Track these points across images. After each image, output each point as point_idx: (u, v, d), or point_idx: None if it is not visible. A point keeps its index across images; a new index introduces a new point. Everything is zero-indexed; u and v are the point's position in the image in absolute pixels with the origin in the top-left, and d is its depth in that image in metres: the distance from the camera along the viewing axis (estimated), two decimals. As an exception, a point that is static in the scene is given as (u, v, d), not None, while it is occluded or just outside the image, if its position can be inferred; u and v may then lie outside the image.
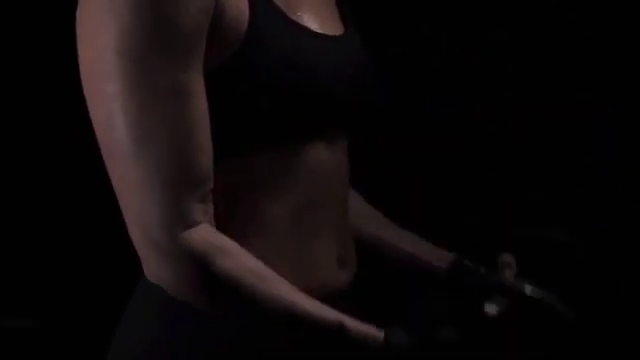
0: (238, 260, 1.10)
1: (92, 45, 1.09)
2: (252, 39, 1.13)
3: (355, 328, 1.14)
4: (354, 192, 1.46)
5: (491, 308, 1.21)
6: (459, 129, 2.26)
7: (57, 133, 2.36)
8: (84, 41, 1.12)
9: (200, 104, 1.09)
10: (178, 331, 1.19)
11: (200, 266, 1.08)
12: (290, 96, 1.15)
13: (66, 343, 2.39)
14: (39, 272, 2.39)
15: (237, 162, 1.16)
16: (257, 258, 1.12)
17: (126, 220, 1.11)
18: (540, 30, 2.20)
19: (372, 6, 2.16)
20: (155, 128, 1.07)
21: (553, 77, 2.21)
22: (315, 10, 1.25)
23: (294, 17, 1.20)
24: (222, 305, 1.12)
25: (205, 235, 1.09)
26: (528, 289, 1.26)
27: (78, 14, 1.13)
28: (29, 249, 2.38)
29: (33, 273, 2.39)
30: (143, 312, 1.23)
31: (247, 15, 1.13)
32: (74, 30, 1.14)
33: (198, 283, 1.09)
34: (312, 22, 1.22)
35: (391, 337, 1.15)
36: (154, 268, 1.10)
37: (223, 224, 1.14)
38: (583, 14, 2.17)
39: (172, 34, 1.07)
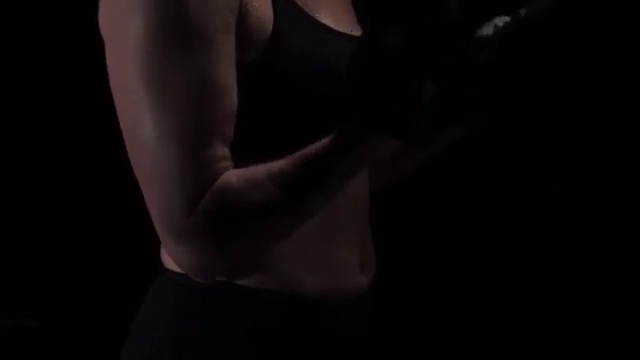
0: (239, 193, 1.08)
1: (116, 42, 1.10)
2: (277, 39, 1.13)
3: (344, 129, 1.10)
4: None
5: (487, 29, 1.05)
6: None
7: (58, 134, 2.36)
8: (109, 38, 1.12)
9: (227, 98, 1.09)
10: (191, 330, 1.18)
11: (211, 224, 1.07)
12: (314, 96, 1.15)
13: (66, 343, 2.39)
14: (39, 272, 2.39)
15: (259, 161, 1.16)
16: (278, 259, 1.13)
17: (150, 213, 1.11)
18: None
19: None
20: (180, 123, 1.07)
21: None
22: (334, 10, 1.25)
23: (315, 16, 1.20)
24: (253, 236, 1.09)
25: (209, 195, 1.08)
26: (522, 12, 1.07)
27: (101, 13, 1.13)
28: (30, 249, 2.38)
29: (33, 273, 2.38)
30: (159, 310, 1.22)
31: (272, 16, 1.13)
32: (93, 30, 1.14)
33: (221, 236, 1.08)
34: (332, 22, 1.22)
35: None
36: (186, 259, 1.10)
37: None
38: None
39: (197, 27, 1.07)
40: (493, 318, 2.32)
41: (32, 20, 2.33)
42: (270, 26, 1.13)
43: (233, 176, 1.09)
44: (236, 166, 1.11)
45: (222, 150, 1.10)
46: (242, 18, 1.11)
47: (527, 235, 2.31)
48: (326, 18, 1.21)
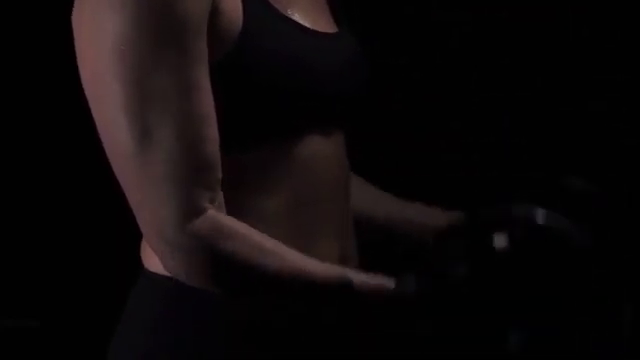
0: (242, 239, 1.11)
1: (92, 44, 1.09)
2: (247, 36, 1.13)
3: (362, 281, 1.14)
4: (354, 176, 1.43)
5: (500, 241, 1.11)
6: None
7: (57, 134, 2.36)
8: (83, 41, 1.11)
9: (204, 99, 1.10)
10: (180, 326, 1.19)
11: (206, 252, 1.10)
12: (285, 93, 1.15)
13: (66, 343, 2.39)
14: (39, 272, 2.39)
15: (232, 159, 1.16)
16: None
17: (137, 218, 1.12)
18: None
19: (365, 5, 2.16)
20: (158, 126, 1.07)
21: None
22: (307, 8, 1.25)
23: (286, 14, 1.20)
24: (235, 286, 1.14)
25: (210, 221, 1.10)
26: (540, 216, 1.12)
27: (75, 14, 1.13)
28: (30, 249, 2.38)
29: (33, 273, 2.39)
30: (145, 307, 1.23)
31: (241, 13, 1.13)
32: (70, 30, 1.14)
33: (207, 269, 1.11)
34: (304, 20, 1.22)
35: (401, 285, 1.13)
36: (168, 262, 1.12)
37: None
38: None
39: (172, 30, 1.07)
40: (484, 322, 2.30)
41: (32, 20, 2.33)
42: (240, 24, 1.13)
43: (240, 224, 1.12)
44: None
45: (210, 149, 1.10)
46: (212, 17, 1.11)
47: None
48: (298, 15, 1.21)
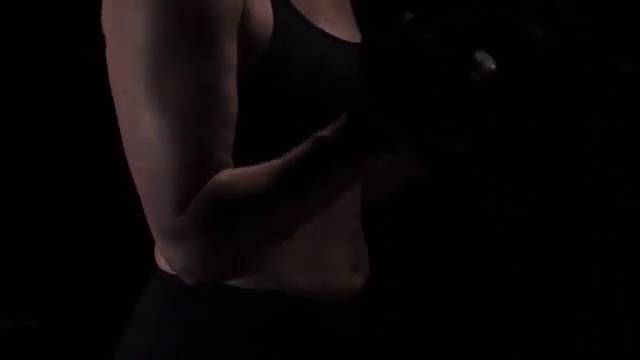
0: (226, 185, 1.08)
1: (118, 44, 1.10)
2: (277, 41, 1.13)
3: (330, 127, 1.08)
4: None
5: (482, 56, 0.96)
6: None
7: (58, 134, 2.36)
8: (111, 40, 1.12)
9: (228, 104, 1.10)
10: (185, 326, 1.19)
11: (202, 217, 1.07)
12: (308, 100, 1.15)
13: (66, 343, 2.39)
14: (39, 272, 2.39)
15: (250, 164, 1.16)
16: (272, 259, 1.13)
17: (147, 215, 1.11)
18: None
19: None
20: (179, 128, 1.07)
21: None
22: (334, 16, 1.25)
23: (314, 22, 1.20)
24: (246, 226, 1.08)
25: (199, 194, 1.08)
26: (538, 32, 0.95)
27: (104, 14, 1.14)
28: (29, 249, 2.38)
29: (33, 273, 2.38)
30: (152, 305, 1.23)
31: (272, 20, 1.13)
32: (95, 30, 1.14)
33: (213, 234, 1.07)
34: (331, 28, 1.22)
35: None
36: (178, 260, 1.10)
37: None
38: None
39: (200, 34, 1.07)
40: (488, 323, 2.32)
41: (32, 20, 2.33)
42: (270, 31, 1.13)
43: (225, 174, 1.08)
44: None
45: (221, 155, 1.10)
46: (244, 22, 1.11)
47: (523, 236, 2.31)
48: (324, 24, 1.21)
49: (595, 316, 2.28)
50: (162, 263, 1.21)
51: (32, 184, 2.38)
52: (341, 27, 1.26)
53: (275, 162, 1.08)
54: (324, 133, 1.06)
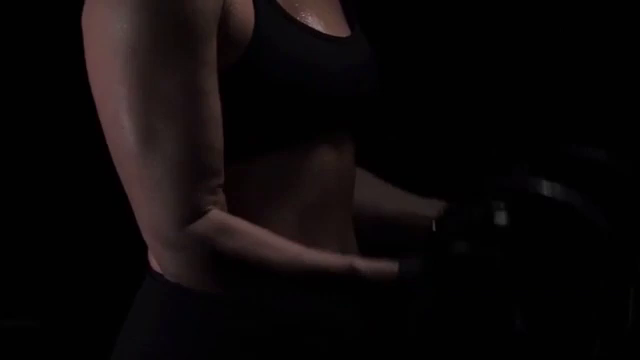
0: (242, 236, 1.11)
1: (99, 45, 1.09)
2: (258, 41, 1.13)
3: (367, 266, 1.13)
4: (359, 169, 1.39)
5: (501, 218, 1.01)
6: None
7: (58, 134, 2.36)
8: (91, 40, 1.12)
9: (210, 103, 1.10)
10: (183, 330, 1.19)
11: (206, 249, 1.09)
12: (296, 98, 1.15)
13: (66, 343, 2.39)
14: (39, 272, 2.39)
15: (242, 166, 1.16)
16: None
17: (137, 219, 1.11)
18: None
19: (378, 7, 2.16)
20: (162, 128, 1.07)
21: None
22: (320, 12, 1.24)
23: (299, 18, 1.19)
24: (238, 283, 1.13)
25: (210, 221, 1.10)
26: (546, 188, 0.99)
27: (84, 14, 1.13)
28: (29, 249, 2.38)
29: (33, 273, 2.39)
30: (147, 307, 1.23)
31: (253, 17, 1.13)
32: (80, 30, 1.14)
33: (209, 267, 1.10)
34: (317, 24, 1.22)
35: (404, 266, 1.11)
36: (169, 265, 1.11)
37: None
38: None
39: (181, 33, 1.07)
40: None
41: (32, 20, 2.33)
42: (251, 28, 1.13)
43: (241, 222, 1.11)
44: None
45: (213, 155, 1.10)
46: (223, 21, 1.11)
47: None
48: (310, 19, 1.21)
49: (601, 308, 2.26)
50: (155, 264, 1.21)
51: (31, 185, 2.38)
52: (328, 22, 1.25)
53: (291, 249, 1.12)
54: (343, 268, 1.12)
